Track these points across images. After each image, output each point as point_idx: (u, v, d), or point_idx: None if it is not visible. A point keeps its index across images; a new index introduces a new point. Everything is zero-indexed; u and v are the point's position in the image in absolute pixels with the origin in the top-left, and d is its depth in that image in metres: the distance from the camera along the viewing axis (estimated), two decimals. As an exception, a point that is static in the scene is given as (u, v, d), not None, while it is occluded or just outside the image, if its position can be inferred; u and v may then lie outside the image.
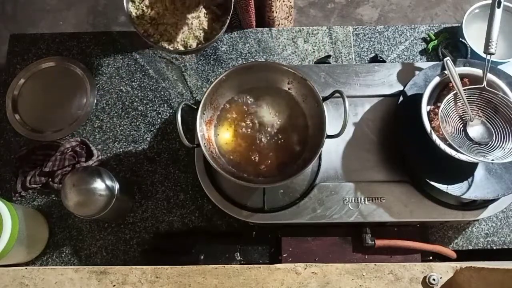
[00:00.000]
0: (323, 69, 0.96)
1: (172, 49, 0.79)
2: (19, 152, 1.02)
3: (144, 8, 0.80)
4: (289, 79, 0.87)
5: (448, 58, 0.86)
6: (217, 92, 0.86)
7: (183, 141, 0.78)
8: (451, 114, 0.85)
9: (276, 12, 1.12)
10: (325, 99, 0.84)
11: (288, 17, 1.24)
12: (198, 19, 0.81)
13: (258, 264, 0.78)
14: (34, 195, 1.00)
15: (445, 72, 0.86)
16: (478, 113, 0.85)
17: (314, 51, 1.10)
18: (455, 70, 0.85)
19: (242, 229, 0.95)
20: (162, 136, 1.04)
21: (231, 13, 0.78)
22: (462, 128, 0.85)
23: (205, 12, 0.82)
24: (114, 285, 0.66)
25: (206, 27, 0.81)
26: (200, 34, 0.81)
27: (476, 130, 0.84)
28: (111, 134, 1.04)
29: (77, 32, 1.15)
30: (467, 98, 0.84)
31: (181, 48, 0.80)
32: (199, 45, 0.80)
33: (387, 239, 0.87)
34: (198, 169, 0.90)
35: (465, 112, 0.85)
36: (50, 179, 0.99)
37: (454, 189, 0.83)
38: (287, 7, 1.19)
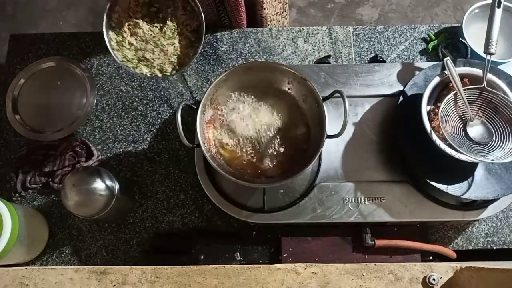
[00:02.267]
0: (323, 69, 0.96)
1: (149, 75, 0.83)
2: (19, 152, 1.02)
3: (124, 34, 0.84)
4: (289, 79, 0.87)
5: (448, 58, 0.86)
6: (217, 92, 0.86)
7: (183, 141, 0.78)
8: (451, 114, 0.85)
9: (267, 9, 1.11)
10: (325, 99, 0.84)
11: (283, 12, 1.23)
12: (173, 46, 0.85)
13: (258, 264, 0.78)
14: (34, 195, 1.00)
15: (445, 72, 0.86)
16: (478, 113, 0.85)
17: (314, 51, 1.10)
18: (455, 70, 0.85)
19: (242, 229, 0.95)
20: (162, 136, 1.04)
21: (203, 41, 0.82)
22: (462, 128, 0.85)
23: (179, 38, 0.85)
24: (114, 285, 0.66)
25: (180, 53, 0.85)
26: (175, 59, 0.85)
27: (476, 130, 0.84)
28: (111, 134, 1.04)
29: (77, 32, 1.15)
30: (467, 98, 0.84)
31: (158, 74, 0.84)
32: (173, 71, 0.84)
33: (387, 239, 0.87)
34: (198, 169, 0.90)
35: (465, 112, 0.85)
36: (50, 179, 0.99)
37: (454, 189, 0.83)
38: (280, 2, 1.19)
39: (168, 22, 0.85)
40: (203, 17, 0.82)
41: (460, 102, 0.85)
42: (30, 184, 0.99)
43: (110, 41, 0.83)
